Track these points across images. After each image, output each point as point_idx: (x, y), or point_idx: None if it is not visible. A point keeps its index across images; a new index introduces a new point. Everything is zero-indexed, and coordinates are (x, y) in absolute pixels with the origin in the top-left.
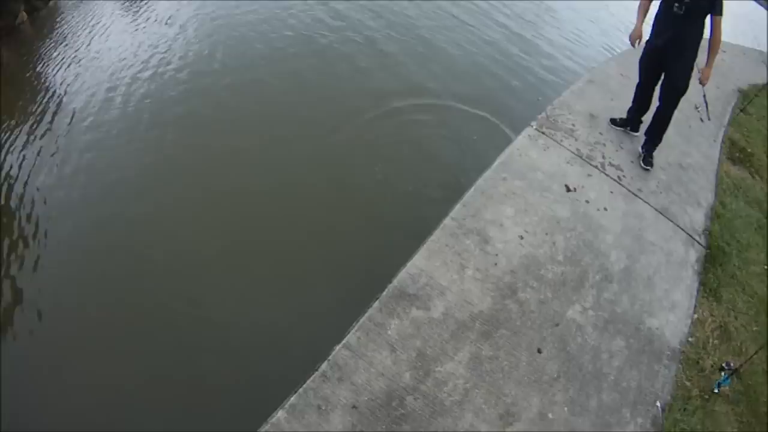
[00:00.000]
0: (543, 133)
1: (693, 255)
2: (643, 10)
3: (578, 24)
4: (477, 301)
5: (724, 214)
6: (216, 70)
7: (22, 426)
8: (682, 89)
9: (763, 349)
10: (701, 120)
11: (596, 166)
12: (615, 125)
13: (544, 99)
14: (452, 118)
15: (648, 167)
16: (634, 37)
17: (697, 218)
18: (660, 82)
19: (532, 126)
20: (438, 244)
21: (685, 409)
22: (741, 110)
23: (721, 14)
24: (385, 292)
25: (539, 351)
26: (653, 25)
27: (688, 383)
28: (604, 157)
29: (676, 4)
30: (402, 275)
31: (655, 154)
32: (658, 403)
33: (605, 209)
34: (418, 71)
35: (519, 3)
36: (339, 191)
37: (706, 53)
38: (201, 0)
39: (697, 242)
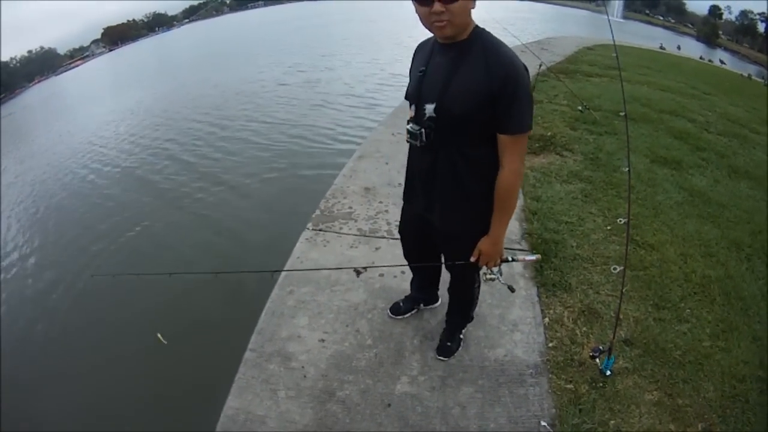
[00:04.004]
0: (320, 230)
1: (518, 265)
2: None
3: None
4: (298, 418)
5: (540, 207)
6: None
7: None
8: (470, 273)
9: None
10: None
11: (382, 236)
12: (395, 313)
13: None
14: None
15: (445, 357)
16: None
17: (512, 229)
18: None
19: (308, 228)
20: (245, 378)
21: (581, 410)
22: None
23: (518, 130)
24: None
25: None
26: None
27: (570, 385)
28: (389, 223)
29: (408, 129)
30: (222, 419)
31: None
32: (543, 423)
33: (402, 273)
34: None
35: None
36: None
37: None
38: None
39: (519, 250)
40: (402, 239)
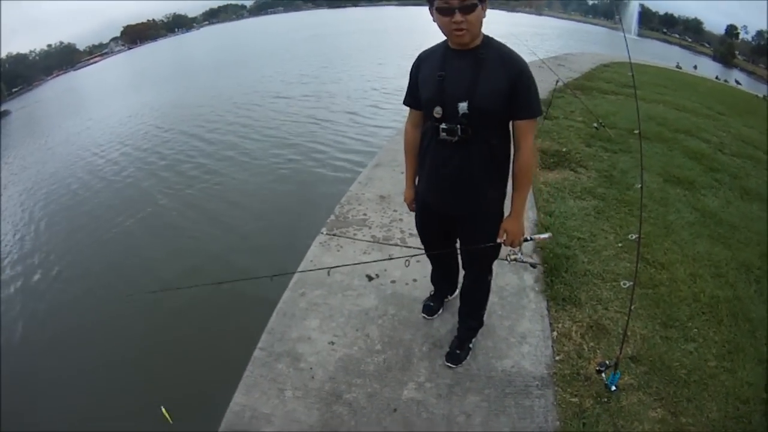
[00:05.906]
0: (335, 234)
1: (529, 278)
2: (411, 164)
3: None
4: (304, 418)
5: (552, 222)
6: None
7: None
8: (490, 256)
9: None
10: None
11: (395, 244)
12: (429, 314)
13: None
14: None
15: (453, 364)
16: (408, 201)
17: (525, 244)
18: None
19: (322, 233)
20: (253, 376)
21: (584, 424)
22: (545, 118)
23: (535, 115)
24: None
25: None
26: (420, 165)
27: (574, 399)
28: (402, 231)
29: (444, 127)
30: (228, 415)
31: None
32: None
33: (414, 281)
34: None
35: None
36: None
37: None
38: None
39: (530, 264)
40: (421, 231)
